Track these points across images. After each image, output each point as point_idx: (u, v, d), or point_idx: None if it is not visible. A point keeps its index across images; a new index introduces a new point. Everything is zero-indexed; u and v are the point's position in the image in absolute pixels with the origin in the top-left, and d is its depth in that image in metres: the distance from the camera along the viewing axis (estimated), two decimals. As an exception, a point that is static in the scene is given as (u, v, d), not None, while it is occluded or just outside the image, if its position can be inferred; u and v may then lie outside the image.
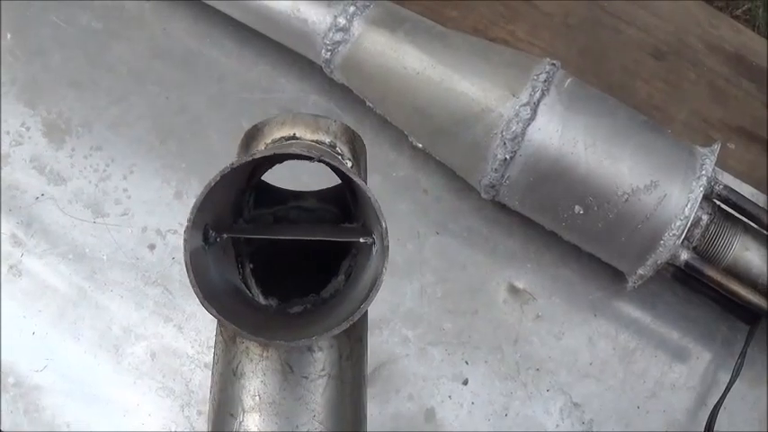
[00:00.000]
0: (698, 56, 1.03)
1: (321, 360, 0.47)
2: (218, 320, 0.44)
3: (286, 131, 0.57)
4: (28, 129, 0.93)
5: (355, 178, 0.44)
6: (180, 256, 0.88)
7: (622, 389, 0.87)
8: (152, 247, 0.88)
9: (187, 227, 0.44)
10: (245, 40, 0.96)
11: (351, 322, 0.42)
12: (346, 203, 0.56)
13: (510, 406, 0.85)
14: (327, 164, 0.46)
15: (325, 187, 0.58)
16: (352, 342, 0.49)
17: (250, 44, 0.96)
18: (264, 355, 0.48)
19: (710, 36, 1.04)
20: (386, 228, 0.44)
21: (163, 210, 0.90)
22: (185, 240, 0.43)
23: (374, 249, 0.47)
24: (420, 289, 0.88)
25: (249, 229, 0.54)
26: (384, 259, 0.44)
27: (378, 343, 0.86)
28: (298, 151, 0.46)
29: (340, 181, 0.54)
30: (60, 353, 0.85)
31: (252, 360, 0.49)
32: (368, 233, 0.48)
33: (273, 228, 0.55)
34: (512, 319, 0.88)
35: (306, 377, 0.47)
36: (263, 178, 0.56)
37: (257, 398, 0.47)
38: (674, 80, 1.01)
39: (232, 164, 0.44)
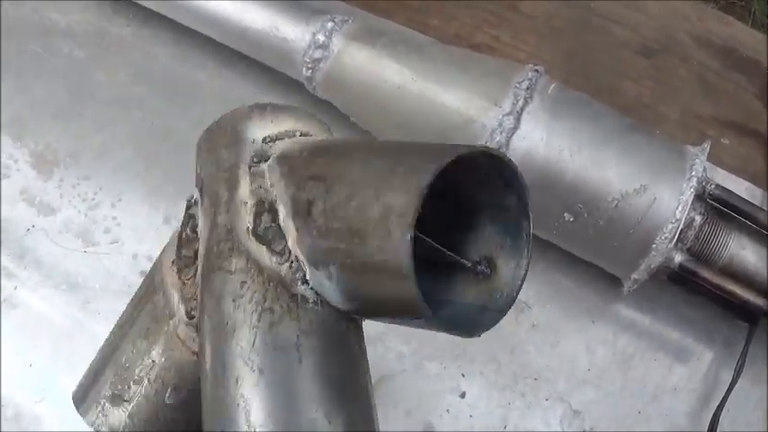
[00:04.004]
0: (687, 51, 1.01)
1: None
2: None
3: (276, 128, 0.50)
4: (16, 161, 0.93)
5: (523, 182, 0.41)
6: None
7: (622, 394, 0.86)
8: (143, 274, 0.87)
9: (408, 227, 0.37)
10: (226, 61, 0.96)
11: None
12: None
13: (509, 417, 0.84)
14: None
15: None
16: None
17: (232, 64, 0.96)
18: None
19: (699, 30, 1.03)
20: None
21: (152, 236, 0.89)
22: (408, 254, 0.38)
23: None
24: (414, 303, 0.88)
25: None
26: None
27: (374, 359, 0.85)
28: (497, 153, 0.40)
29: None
30: (58, 384, 0.85)
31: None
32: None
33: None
34: (507, 330, 0.87)
35: None
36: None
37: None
38: (664, 78, 1.00)
39: (444, 160, 0.38)
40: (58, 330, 0.87)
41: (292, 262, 0.44)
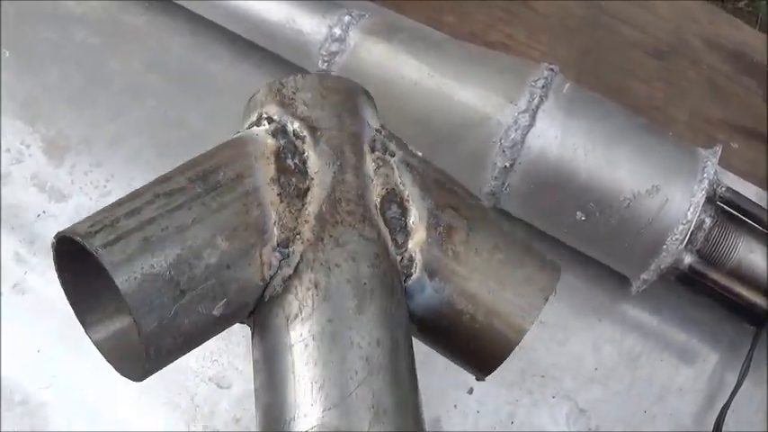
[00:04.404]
0: (697, 54, 1.02)
1: None
2: None
3: (375, 123, 0.55)
4: (28, 146, 0.93)
5: None
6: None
7: (629, 394, 0.86)
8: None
9: None
10: (241, 52, 0.96)
11: None
12: None
13: (516, 414, 0.85)
14: None
15: None
16: None
17: (247, 56, 0.96)
18: None
19: (709, 34, 1.03)
20: None
21: (163, 225, 0.89)
22: None
23: None
24: (423, 298, 0.88)
25: None
26: None
27: (382, 353, 0.86)
28: None
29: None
30: (65, 370, 0.85)
31: None
32: None
33: None
34: (516, 327, 0.87)
35: None
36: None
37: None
38: (674, 80, 1.00)
39: None
40: (67, 317, 0.86)
41: (403, 257, 0.48)
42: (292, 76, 0.52)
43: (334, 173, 0.48)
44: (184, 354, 0.47)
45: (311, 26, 0.86)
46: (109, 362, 0.47)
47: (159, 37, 0.98)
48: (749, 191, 0.94)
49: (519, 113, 0.78)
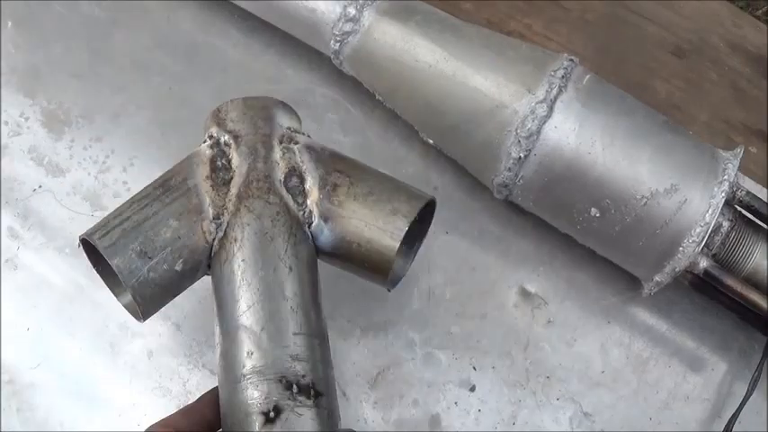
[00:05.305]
0: (720, 55, 0.99)
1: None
2: None
3: (289, 123, 0.74)
4: (27, 119, 0.90)
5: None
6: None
7: (635, 399, 0.84)
8: (151, 242, 0.85)
9: None
10: (251, 30, 0.94)
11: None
12: None
13: (518, 414, 0.82)
14: None
15: None
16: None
17: (256, 34, 0.94)
18: None
19: (733, 35, 1.01)
20: None
21: (163, 204, 0.87)
22: None
23: None
24: (428, 291, 0.85)
25: None
26: None
27: (382, 346, 0.84)
28: None
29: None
30: (55, 350, 0.83)
31: None
32: None
33: None
34: (522, 324, 0.85)
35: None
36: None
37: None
38: (696, 80, 0.97)
39: None
40: (59, 295, 0.84)
41: (305, 211, 0.68)
42: (225, 102, 0.72)
43: (249, 164, 0.68)
44: (169, 300, 0.69)
45: (325, 5, 0.83)
46: (134, 315, 0.70)
47: (167, 12, 0.95)
48: (765, 196, 0.92)
49: (536, 103, 0.76)
